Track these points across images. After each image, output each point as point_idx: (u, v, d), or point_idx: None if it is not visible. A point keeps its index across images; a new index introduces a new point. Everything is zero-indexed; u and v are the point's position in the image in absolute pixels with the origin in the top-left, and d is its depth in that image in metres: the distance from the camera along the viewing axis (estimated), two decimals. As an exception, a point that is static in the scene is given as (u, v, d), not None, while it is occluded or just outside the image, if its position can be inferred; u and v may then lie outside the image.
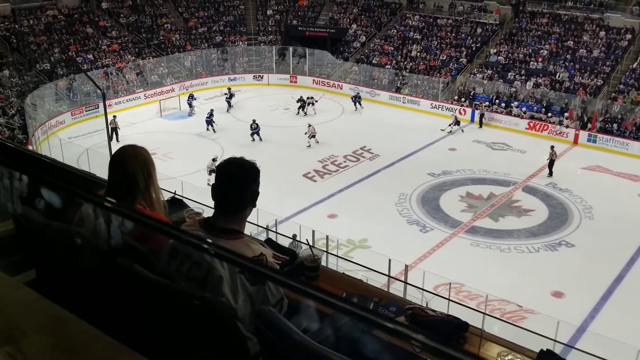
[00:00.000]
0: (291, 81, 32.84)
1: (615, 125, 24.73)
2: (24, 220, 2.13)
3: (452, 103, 28.31)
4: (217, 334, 1.78)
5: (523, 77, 28.30)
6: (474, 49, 30.82)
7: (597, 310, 13.72)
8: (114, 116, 24.02)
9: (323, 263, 2.88)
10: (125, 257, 1.90)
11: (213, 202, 2.21)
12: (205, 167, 19.50)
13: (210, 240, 1.56)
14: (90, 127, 24.32)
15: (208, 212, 2.38)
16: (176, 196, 3.29)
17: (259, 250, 2.17)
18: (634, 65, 27.00)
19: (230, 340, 1.80)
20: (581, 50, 28.51)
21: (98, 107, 25.65)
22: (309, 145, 23.59)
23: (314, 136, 23.64)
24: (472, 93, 28.44)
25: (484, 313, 8.97)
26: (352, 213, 18.02)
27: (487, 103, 27.50)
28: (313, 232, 13.05)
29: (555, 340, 7.27)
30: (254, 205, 2.24)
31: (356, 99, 28.18)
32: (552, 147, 21.51)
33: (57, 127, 25.20)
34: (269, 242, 2.89)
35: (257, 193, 2.22)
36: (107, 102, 21.98)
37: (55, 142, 21.73)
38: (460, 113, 27.02)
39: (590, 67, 27.61)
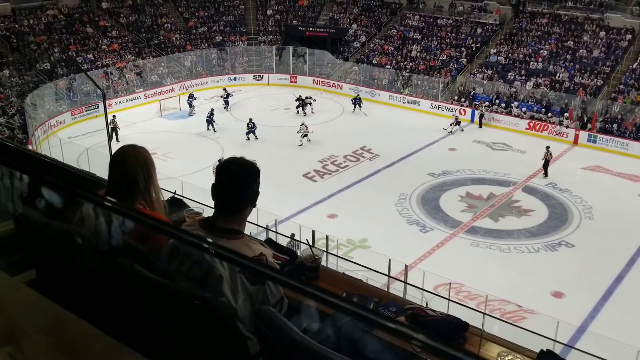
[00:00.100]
0: (291, 81, 32.84)
1: (615, 126, 24.73)
2: (24, 220, 2.13)
3: (452, 103, 28.31)
4: (217, 334, 1.78)
5: (523, 77, 28.30)
6: (474, 49, 30.82)
7: (597, 310, 13.72)
8: (114, 116, 24.01)
9: (323, 263, 2.88)
10: (125, 257, 1.90)
11: (213, 202, 2.21)
12: (211, 168, 19.50)
13: (210, 240, 1.56)
14: (90, 127, 24.32)
15: (208, 212, 2.38)
16: (176, 196, 3.29)
17: (259, 250, 2.17)
18: (634, 66, 27.00)
19: (230, 340, 1.80)
20: (581, 50, 28.51)
21: (98, 107, 25.66)
22: (301, 144, 23.63)
23: (306, 135, 23.69)
24: (472, 93, 28.45)
25: (484, 313, 8.97)
26: (352, 213, 18.02)
27: (487, 103, 27.50)
28: (313, 232, 13.05)
29: (555, 341, 7.27)
30: (254, 205, 2.24)
31: (357, 101, 28.07)
32: (548, 147, 21.47)
33: (57, 127, 25.20)
34: (269, 242, 2.89)
35: (257, 193, 2.22)
36: (107, 102, 21.99)
37: (55, 142, 21.73)
38: (460, 113, 27.02)
39: (590, 68, 27.61)
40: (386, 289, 5.36)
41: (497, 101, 27.52)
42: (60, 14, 31.37)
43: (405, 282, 11.51)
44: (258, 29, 35.72)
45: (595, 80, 26.97)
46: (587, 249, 16.41)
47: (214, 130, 25.15)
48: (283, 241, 10.86)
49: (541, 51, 29.23)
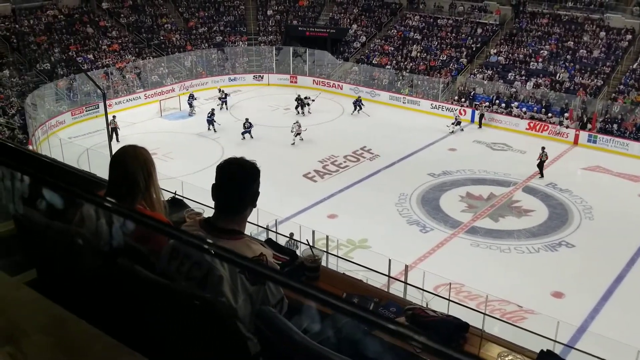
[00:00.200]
0: (291, 81, 32.84)
1: (615, 126, 24.73)
2: (24, 221, 2.13)
3: (452, 103, 28.32)
4: (217, 334, 1.78)
5: (523, 78, 28.30)
6: (474, 49, 30.82)
7: (597, 310, 13.72)
8: (114, 116, 24.01)
9: (323, 263, 2.88)
10: (125, 258, 1.90)
11: (213, 202, 2.22)
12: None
13: (210, 241, 1.56)
14: (90, 127, 24.33)
15: (208, 212, 2.38)
16: (176, 196, 3.29)
17: (259, 250, 2.17)
18: (634, 66, 27.00)
19: (231, 340, 1.81)
20: (581, 50, 28.51)
21: (98, 107, 25.66)
22: (294, 143, 23.65)
23: (299, 134, 23.71)
24: (472, 93, 28.45)
25: (484, 313, 8.96)
26: (352, 213, 18.02)
27: (487, 103, 27.50)
28: (313, 232, 13.04)
29: (555, 341, 7.26)
30: (254, 206, 2.24)
31: (358, 103, 27.98)
32: (543, 148, 21.45)
33: (57, 127, 25.20)
34: (269, 242, 2.89)
35: (257, 193, 2.22)
36: (107, 102, 21.98)
37: (55, 142, 21.73)
38: (461, 113, 27.01)
39: (591, 68, 27.61)
40: (386, 290, 5.36)
41: (497, 101, 27.53)
42: (61, 14, 31.38)
43: (406, 283, 11.51)
44: (258, 29, 35.73)
45: (596, 80, 26.97)
46: (587, 249, 16.41)
47: (215, 130, 25.15)
48: (283, 241, 10.87)
49: (541, 51, 29.23)
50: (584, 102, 26.07)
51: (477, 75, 29.37)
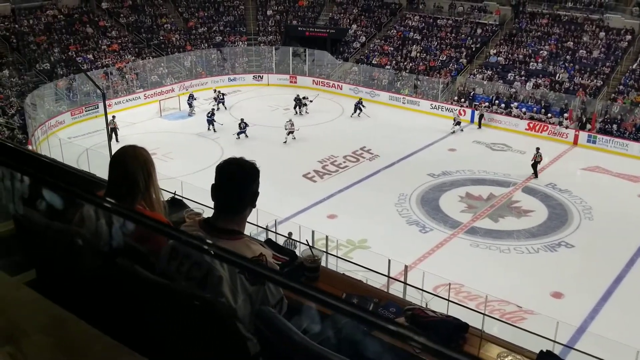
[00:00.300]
0: (291, 81, 32.85)
1: (614, 126, 24.74)
2: (24, 221, 2.13)
3: (451, 104, 28.32)
4: (217, 334, 1.78)
5: (523, 78, 28.31)
6: (473, 49, 30.83)
7: (597, 310, 13.73)
8: (113, 116, 24.00)
9: (323, 263, 2.88)
10: (125, 258, 1.90)
11: (213, 202, 2.22)
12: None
13: (210, 241, 1.56)
14: (90, 127, 24.32)
15: (208, 213, 2.38)
16: (176, 196, 3.29)
17: (259, 250, 2.17)
18: (634, 66, 27.01)
19: (230, 341, 1.81)
20: (581, 51, 28.52)
21: (98, 107, 25.65)
22: (285, 142, 23.66)
23: (291, 132, 23.71)
24: (471, 94, 28.46)
25: (483, 314, 8.96)
26: (351, 213, 18.03)
27: (486, 104, 27.51)
28: (313, 232, 13.05)
29: (554, 341, 7.26)
30: (254, 206, 2.24)
31: (359, 105, 27.87)
32: (538, 148, 21.43)
33: (57, 127, 25.20)
34: (269, 243, 2.89)
35: (257, 193, 2.22)
36: (107, 102, 21.96)
37: (55, 142, 21.72)
38: (460, 114, 27.01)
39: (590, 68, 27.62)
40: (386, 290, 5.36)
41: (496, 102, 27.53)
42: (60, 14, 31.37)
43: (405, 283, 11.51)
44: (258, 29, 35.73)
45: (595, 80, 26.98)
46: (587, 249, 16.42)
47: (214, 131, 25.15)
48: (282, 241, 10.88)
49: (541, 52, 29.24)
50: (584, 102, 26.09)
51: (477, 75, 29.38)
